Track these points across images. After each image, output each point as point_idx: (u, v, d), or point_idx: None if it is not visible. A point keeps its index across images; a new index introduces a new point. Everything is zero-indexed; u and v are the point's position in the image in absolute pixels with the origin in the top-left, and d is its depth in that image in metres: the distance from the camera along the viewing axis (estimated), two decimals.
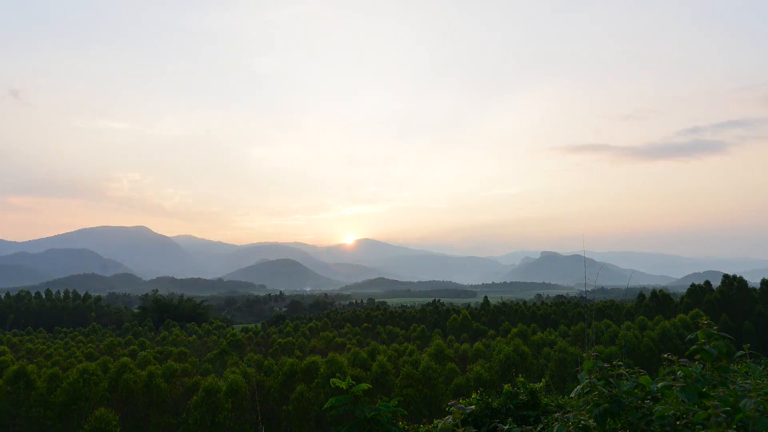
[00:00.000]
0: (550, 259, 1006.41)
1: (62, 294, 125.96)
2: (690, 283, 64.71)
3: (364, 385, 4.80)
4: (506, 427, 5.53)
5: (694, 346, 4.73)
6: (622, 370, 4.80)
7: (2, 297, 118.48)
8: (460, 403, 7.12)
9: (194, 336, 68.44)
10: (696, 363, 4.71)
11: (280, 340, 50.75)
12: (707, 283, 61.97)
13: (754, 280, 71.33)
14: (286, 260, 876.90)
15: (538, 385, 7.48)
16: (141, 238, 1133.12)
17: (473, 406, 7.06)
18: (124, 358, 31.45)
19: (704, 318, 4.97)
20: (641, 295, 66.89)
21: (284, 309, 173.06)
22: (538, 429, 5.35)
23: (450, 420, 6.67)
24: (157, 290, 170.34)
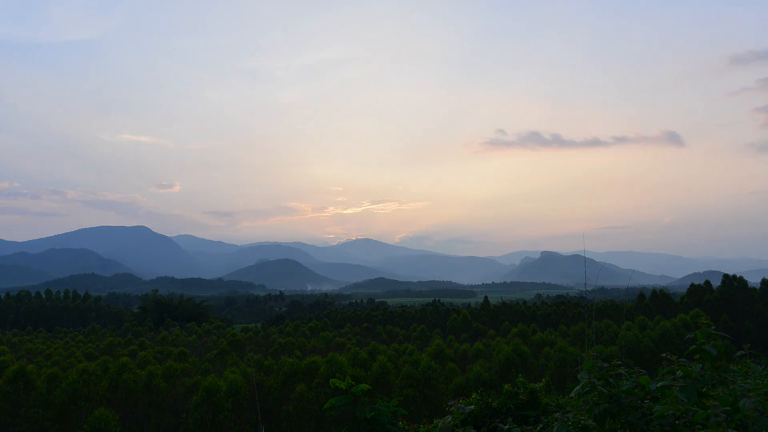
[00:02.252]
0: (550, 259, 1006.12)
1: (62, 294, 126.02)
2: (690, 283, 64.72)
3: (364, 386, 4.81)
4: (506, 427, 5.54)
5: (694, 346, 4.73)
6: (621, 370, 4.81)
7: (2, 297, 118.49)
8: (460, 403, 7.12)
9: (194, 336, 68.43)
10: (696, 363, 4.71)
11: (280, 340, 50.77)
12: (707, 283, 61.99)
13: (754, 280, 71.35)
14: (286, 260, 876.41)
15: (538, 385, 7.48)
16: (141, 238, 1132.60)
17: (473, 406, 7.07)
18: (124, 358, 31.44)
19: (704, 318, 4.97)
20: (641, 295, 66.90)
21: (284, 309, 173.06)
22: (538, 429, 5.36)
23: (450, 420, 6.68)
24: (157, 290, 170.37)
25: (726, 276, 58.15)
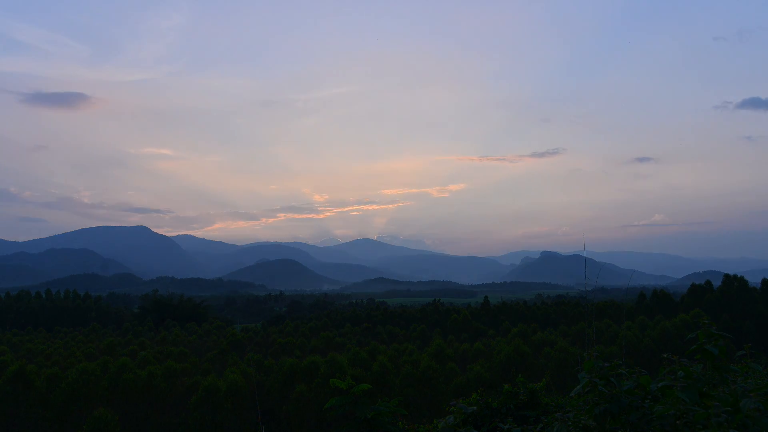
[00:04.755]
0: (550, 259, 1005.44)
1: (62, 294, 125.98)
2: (690, 283, 64.72)
3: (365, 386, 4.79)
4: (506, 427, 5.53)
5: (695, 346, 4.72)
6: (622, 370, 4.80)
7: (2, 297, 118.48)
8: (461, 403, 7.12)
9: (194, 336, 68.42)
10: (697, 363, 4.71)
11: (280, 339, 50.79)
12: (707, 283, 62.00)
13: (754, 280, 71.28)
14: (286, 260, 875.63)
15: (538, 385, 7.46)
16: (141, 238, 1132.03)
17: (475, 407, 7.05)
18: (124, 358, 31.46)
19: (705, 318, 4.96)
20: (641, 295, 66.92)
21: (284, 309, 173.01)
22: (538, 429, 5.34)
23: (451, 419, 6.67)
24: (157, 290, 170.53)
25: (726, 276, 58.18)
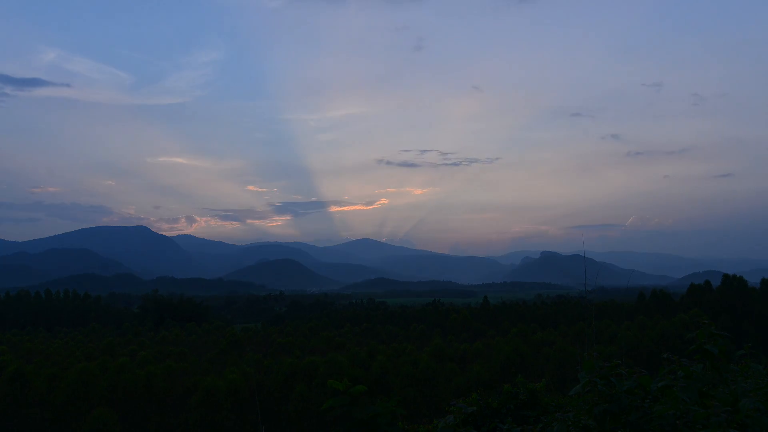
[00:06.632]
0: (550, 259, 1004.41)
1: (62, 294, 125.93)
2: (690, 283, 64.72)
3: (361, 387, 4.76)
4: (506, 427, 5.52)
5: (694, 346, 4.72)
6: (622, 370, 4.79)
7: (2, 297, 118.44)
8: (461, 403, 7.10)
9: (194, 336, 68.43)
10: (696, 363, 4.70)
11: (280, 339, 50.81)
12: (707, 283, 62.02)
13: (753, 280, 71.27)
14: (286, 260, 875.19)
15: (538, 385, 7.44)
16: (141, 238, 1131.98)
17: (475, 407, 7.04)
18: (124, 358, 31.47)
19: (704, 317, 4.96)
20: (641, 295, 66.97)
21: (284, 309, 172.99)
22: (538, 429, 5.33)
23: (451, 419, 6.67)
24: (157, 290, 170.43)
25: (726, 276, 58.21)
